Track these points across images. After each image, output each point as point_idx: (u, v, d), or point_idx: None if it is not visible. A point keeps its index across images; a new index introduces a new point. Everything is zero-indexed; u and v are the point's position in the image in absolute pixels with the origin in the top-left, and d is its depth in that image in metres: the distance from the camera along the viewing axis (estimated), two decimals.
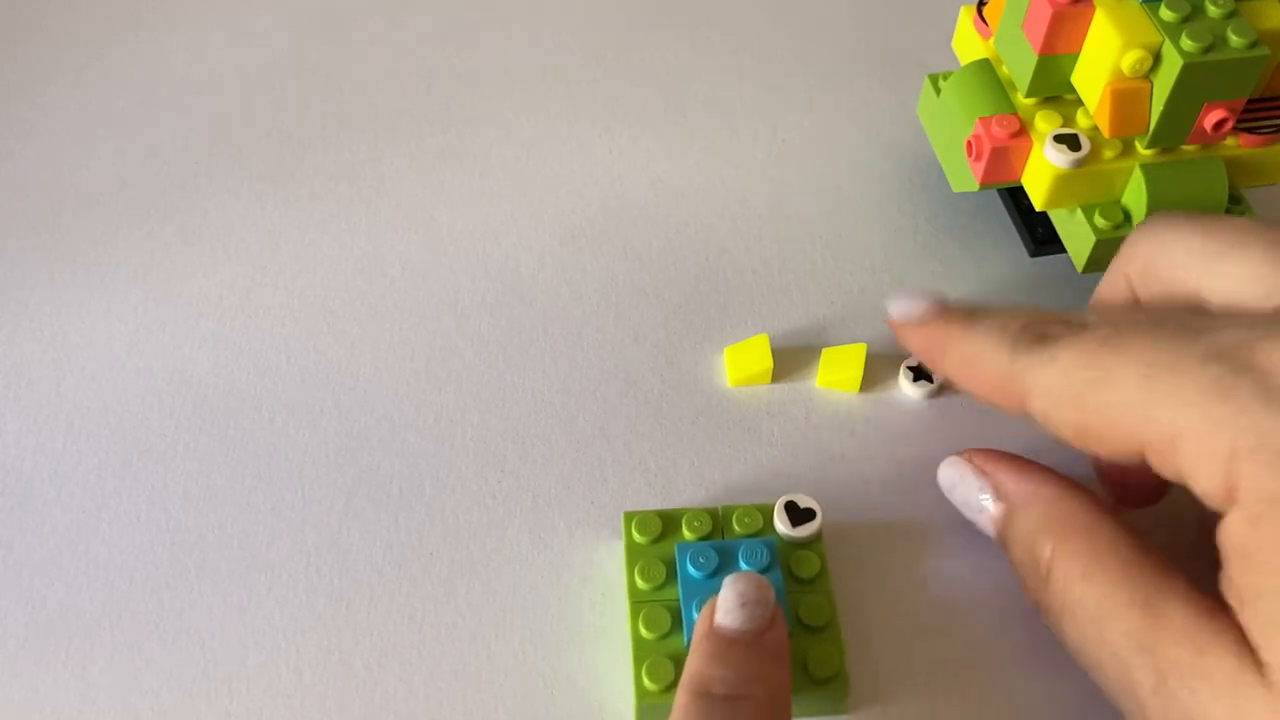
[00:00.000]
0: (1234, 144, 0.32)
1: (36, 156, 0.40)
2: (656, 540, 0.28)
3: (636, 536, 0.28)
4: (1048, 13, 0.30)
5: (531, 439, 0.32)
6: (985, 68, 0.34)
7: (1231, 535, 0.21)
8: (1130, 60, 0.29)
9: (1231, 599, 0.21)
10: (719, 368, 0.33)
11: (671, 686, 0.25)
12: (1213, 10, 0.29)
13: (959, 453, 0.28)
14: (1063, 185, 0.31)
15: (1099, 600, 0.23)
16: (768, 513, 0.28)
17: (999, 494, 0.27)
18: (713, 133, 0.40)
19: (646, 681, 0.26)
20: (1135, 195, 0.31)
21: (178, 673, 0.27)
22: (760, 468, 0.31)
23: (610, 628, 0.28)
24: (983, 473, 0.27)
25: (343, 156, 0.39)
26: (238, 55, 0.43)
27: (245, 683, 0.27)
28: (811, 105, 0.41)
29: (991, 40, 0.34)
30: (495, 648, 0.28)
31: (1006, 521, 0.26)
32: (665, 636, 0.26)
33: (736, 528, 0.28)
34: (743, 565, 0.27)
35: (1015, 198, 0.36)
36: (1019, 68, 0.32)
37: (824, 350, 0.33)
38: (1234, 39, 0.28)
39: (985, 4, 0.35)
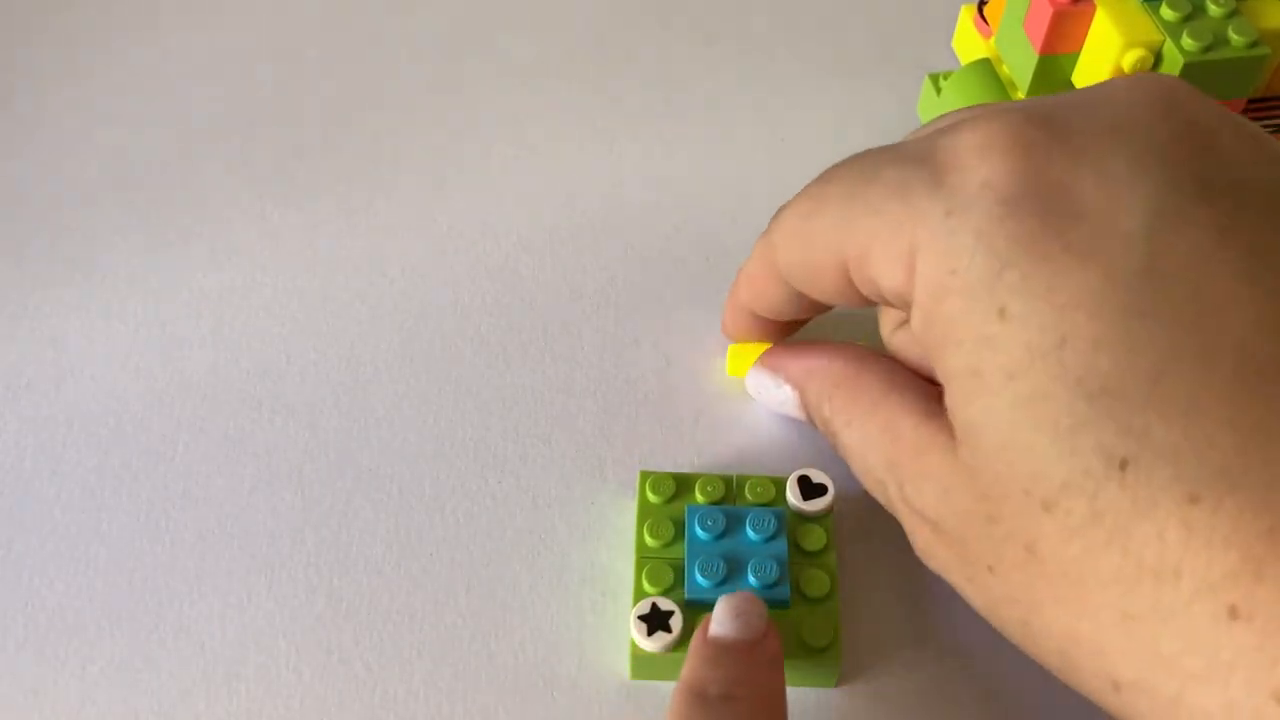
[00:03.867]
0: None
1: (36, 156, 0.39)
2: (669, 500, 0.29)
3: (650, 495, 0.29)
4: (1048, 12, 0.30)
5: (531, 439, 0.32)
6: (986, 67, 0.34)
7: (915, 333, 0.22)
8: (1131, 59, 0.29)
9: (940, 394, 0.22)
10: (719, 368, 0.33)
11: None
12: (1213, 9, 0.29)
13: (757, 360, 0.30)
14: None
15: (862, 440, 0.25)
16: (780, 484, 0.29)
17: (789, 380, 0.29)
18: (713, 133, 0.40)
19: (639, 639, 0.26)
20: None
21: (178, 673, 0.27)
22: (761, 468, 0.31)
23: (610, 628, 0.28)
24: (772, 368, 0.29)
25: (342, 156, 0.39)
26: (238, 55, 0.43)
27: (245, 683, 0.27)
28: (811, 105, 0.41)
29: (992, 40, 0.34)
30: (495, 648, 0.28)
31: (801, 401, 0.28)
32: (667, 591, 0.27)
33: (748, 496, 0.29)
34: (750, 532, 0.28)
35: None
36: (1020, 67, 0.32)
37: (730, 346, 0.33)
38: (1235, 38, 0.28)
39: (986, 3, 0.35)
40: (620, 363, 0.34)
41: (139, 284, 0.36)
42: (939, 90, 0.35)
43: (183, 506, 0.30)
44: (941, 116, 0.25)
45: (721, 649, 0.24)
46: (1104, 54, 0.29)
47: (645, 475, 0.29)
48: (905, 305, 0.22)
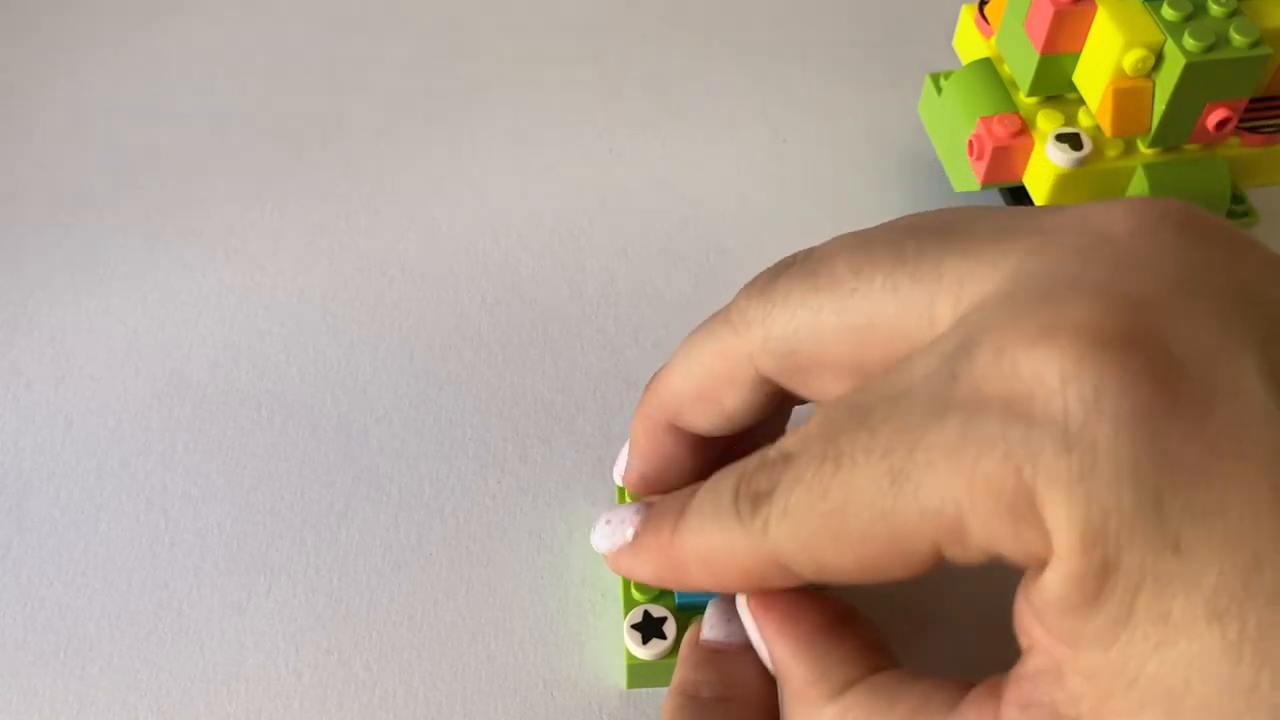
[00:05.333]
0: (1236, 143, 0.32)
1: (36, 156, 0.39)
2: None
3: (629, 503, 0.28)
4: (1049, 11, 0.30)
5: (531, 439, 0.32)
6: (986, 67, 0.34)
7: (1050, 586, 0.17)
8: (1132, 59, 0.29)
9: (1047, 641, 0.18)
10: None
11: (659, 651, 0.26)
12: (1215, 9, 0.29)
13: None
14: (1065, 185, 0.31)
15: None
16: None
17: (765, 648, 0.23)
18: (713, 133, 0.40)
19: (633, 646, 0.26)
20: (1138, 195, 0.31)
21: (177, 673, 0.27)
22: None
23: (610, 629, 0.28)
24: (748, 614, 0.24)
25: (342, 156, 0.39)
26: (237, 55, 0.43)
27: (245, 683, 0.27)
28: (812, 104, 0.41)
29: (993, 39, 0.34)
30: (495, 648, 0.28)
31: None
32: (657, 598, 0.27)
33: None
34: None
35: (1017, 197, 0.36)
36: (1020, 67, 0.32)
37: None
38: (1236, 38, 0.28)
39: (987, 3, 0.34)
40: (620, 363, 0.33)
41: (139, 284, 0.36)
42: (940, 89, 0.35)
43: (183, 506, 0.30)
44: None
45: (714, 652, 0.24)
46: (1105, 54, 0.29)
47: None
48: (1034, 564, 0.17)
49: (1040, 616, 0.17)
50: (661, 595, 0.27)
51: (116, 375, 0.33)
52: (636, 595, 0.27)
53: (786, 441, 0.20)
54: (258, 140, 0.40)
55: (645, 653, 0.26)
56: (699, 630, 0.25)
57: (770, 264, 0.37)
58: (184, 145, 0.40)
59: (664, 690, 0.27)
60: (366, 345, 0.34)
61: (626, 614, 0.26)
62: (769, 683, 0.24)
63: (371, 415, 0.32)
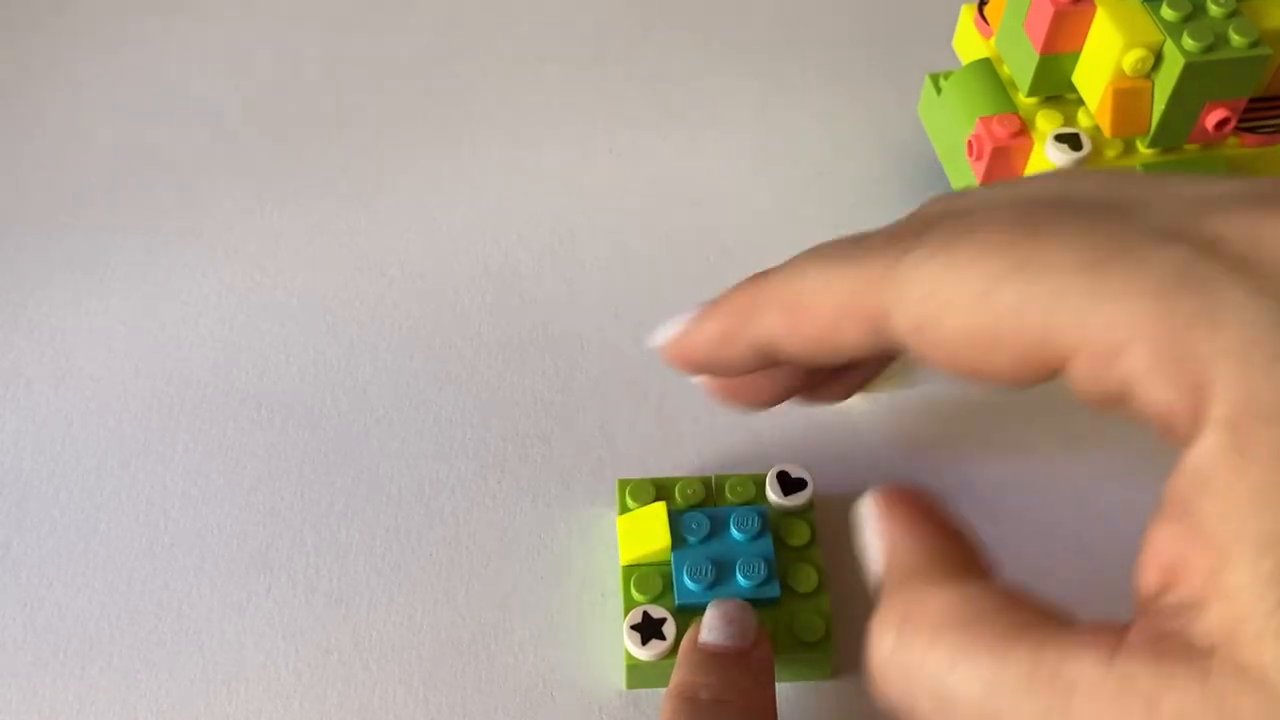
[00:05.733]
0: (1235, 143, 0.32)
1: (36, 156, 0.39)
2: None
3: (630, 503, 0.29)
4: (1049, 12, 0.30)
5: (531, 439, 0.32)
6: (986, 67, 0.34)
7: (1203, 463, 0.15)
8: (1132, 59, 0.29)
9: (1188, 549, 0.16)
10: None
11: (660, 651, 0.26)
12: (1214, 9, 0.29)
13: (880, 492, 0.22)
14: None
15: (989, 688, 0.17)
16: (759, 482, 0.29)
17: (878, 548, 0.21)
18: (713, 132, 0.40)
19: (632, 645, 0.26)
20: None
21: (177, 673, 0.27)
22: (762, 467, 0.31)
23: (610, 629, 0.28)
24: (874, 523, 0.21)
25: (342, 156, 0.39)
26: (237, 56, 0.43)
27: (245, 683, 0.27)
28: (812, 105, 0.41)
29: (992, 40, 0.34)
30: (495, 648, 0.28)
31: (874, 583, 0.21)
32: (657, 599, 0.27)
33: (729, 496, 0.29)
34: (734, 531, 0.27)
35: None
36: (1020, 67, 0.32)
37: (619, 519, 0.29)
38: (1235, 38, 0.28)
39: (986, 3, 0.34)
40: (620, 362, 0.33)
41: (139, 284, 0.36)
42: (940, 90, 0.35)
43: (183, 506, 0.30)
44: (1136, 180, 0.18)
45: (712, 655, 0.24)
46: (1104, 54, 0.29)
47: (624, 484, 0.29)
48: (1169, 421, 0.16)
49: (1190, 506, 0.15)
50: (661, 596, 0.27)
51: (116, 375, 0.33)
52: (636, 596, 0.27)
53: (956, 206, 0.19)
54: (258, 140, 0.40)
55: (644, 654, 0.26)
56: (698, 632, 0.25)
57: (770, 264, 0.37)
58: (184, 145, 0.40)
59: (664, 690, 0.27)
60: (366, 345, 0.34)
61: (626, 615, 0.26)
62: (766, 686, 0.24)
63: (371, 415, 0.32)
